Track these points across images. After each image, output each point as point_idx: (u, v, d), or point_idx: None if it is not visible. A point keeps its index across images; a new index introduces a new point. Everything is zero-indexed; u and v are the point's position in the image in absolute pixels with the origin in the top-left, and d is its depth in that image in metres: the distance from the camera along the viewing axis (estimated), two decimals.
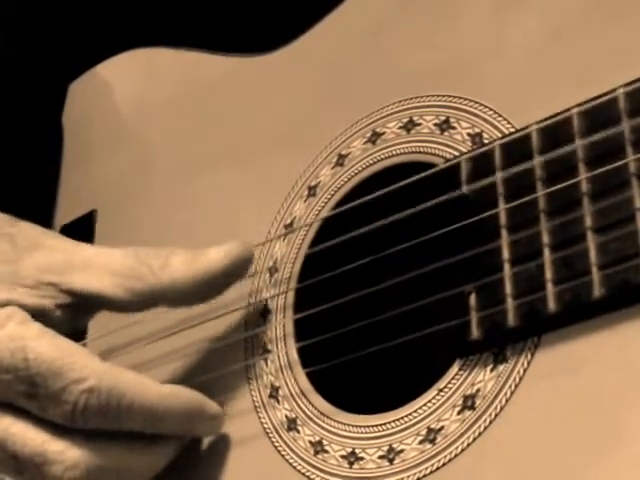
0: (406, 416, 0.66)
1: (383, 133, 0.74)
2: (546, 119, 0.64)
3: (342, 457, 0.68)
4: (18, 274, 0.71)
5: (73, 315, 0.73)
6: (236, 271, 0.73)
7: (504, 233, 0.63)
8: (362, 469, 0.67)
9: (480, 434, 0.62)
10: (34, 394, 0.68)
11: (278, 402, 0.73)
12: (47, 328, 0.70)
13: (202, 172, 0.86)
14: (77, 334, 0.75)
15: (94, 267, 0.72)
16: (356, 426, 0.68)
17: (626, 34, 0.63)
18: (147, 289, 0.72)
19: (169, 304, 0.73)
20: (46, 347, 0.68)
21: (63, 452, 0.69)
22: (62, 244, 0.74)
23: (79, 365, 0.68)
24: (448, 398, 0.64)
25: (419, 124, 0.72)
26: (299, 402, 0.72)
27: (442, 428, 0.64)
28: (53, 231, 0.76)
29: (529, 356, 0.61)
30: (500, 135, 0.67)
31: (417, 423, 0.65)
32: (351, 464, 0.68)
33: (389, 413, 0.67)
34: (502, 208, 0.64)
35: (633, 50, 0.63)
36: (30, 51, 0.99)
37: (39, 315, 0.71)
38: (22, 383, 0.68)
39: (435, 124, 0.71)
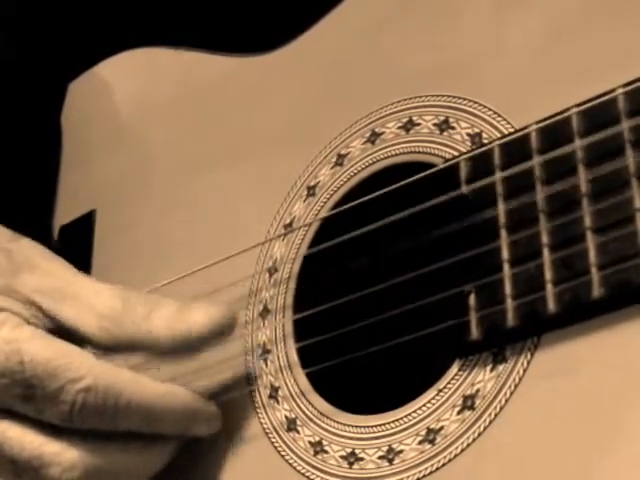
0: (406, 416, 0.66)
1: (382, 133, 0.74)
2: (545, 119, 0.64)
3: (342, 457, 0.68)
4: (11, 288, 0.71)
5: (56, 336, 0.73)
6: (217, 336, 0.73)
7: (503, 233, 0.63)
8: (362, 469, 0.67)
9: (480, 434, 0.62)
10: (31, 396, 0.68)
11: (278, 402, 0.73)
12: (41, 330, 0.70)
13: (201, 172, 0.86)
14: None
15: (82, 304, 0.72)
16: (356, 426, 0.68)
17: (626, 34, 0.63)
18: (124, 338, 0.72)
19: (146, 352, 0.73)
20: (41, 348, 0.68)
21: (60, 454, 0.69)
22: (58, 270, 0.74)
23: (75, 365, 0.68)
24: (448, 398, 0.64)
25: (418, 124, 0.72)
26: (299, 402, 0.72)
27: (442, 428, 0.64)
28: (51, 253, 0.76)
29: (529, 356, 0.61)
30: (499, 135, 0.67)
31: (417, 423, 0.65)
32: (351, 464, 0.68)
33: (389, 413, 0.67)
34: (501, 208, 0.64)
35: (633, 50, 0.63)
36: (29, 51, 0.99)
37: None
38: (18, 386, 0.68)
39: (434, 124, 0.71)
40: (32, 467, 0.69)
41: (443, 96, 0.72)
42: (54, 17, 0.98)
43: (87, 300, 0.72)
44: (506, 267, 0.62)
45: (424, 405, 0.65)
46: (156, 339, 0.72)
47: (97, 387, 0.68)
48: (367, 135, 0.75)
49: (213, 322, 0.72)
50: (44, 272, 0.73)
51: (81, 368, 0.68)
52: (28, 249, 0.75)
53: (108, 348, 0.72)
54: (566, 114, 0.63)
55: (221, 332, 0.72)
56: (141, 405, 0.69)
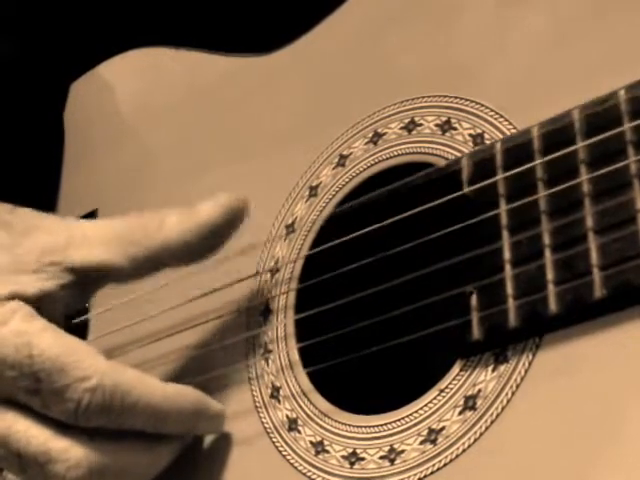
0: (407, 416, 0.66)
1: (384, 134, 0.75)
2: (548, 120, 0.64)
3: (343, 457, 0.68)
4: (18, 260, 0.71)
5: (78, 294, 0.73)
6: (230, 221, 0.73)
7: (505, 234, 0.63)
8: (363, 469, 0.67)
9: (481, 434, 0.62)
10: (37, 390, 0.68)
11: (279, 402, 0.73)
12: (51, 324, 0.70)
13: (203, 172, 0.86)
14: (79, 331, 0.76)
15: (92, 240, 0.72)
16: (357, 426, 0.68)
17: (628, 35, 0.63)
18: (145, 252, 0.72)
19: (169, 264, 0.73)
20: (51, 343, 0.68)
21: (66, 450, 0.69)
22: (59, 223, 0.74)
23: (83, 363, 0.68)
24: (449, 398, 0.64)
25: (420, 125, 0.72)
26: (300, 402, 0.72)
27: (443, 428, 0.64)
28: (47, 213, 0.76)
29: (530, 356, 0.61)
30: (501, 136, 0.67)
31: (418, 423, 0.65)
32: (352, 464, 0.68)
33: (390, 413, 0.67)
34: (503, 209, 0.64)
35: (635, 52, 0.63)
36: (32, 51, 0.99)
37: (44, 299, 0.71)
38: (26, 379, 0.68)
39: (436, 125, 0.71)
40: (37, 462, 0.69)
41: (445, 97, 0.72)
42: (56, 17, 0.98)
43: (95, 236, 0.72)
44: (508, 267, 0.62)
45: (426, 405, 0.65)
46: (174, 241, 0.71)
47: (104, 387, 0.68)
48: (369, 136, 0.75)
49: (222, 206, 0.72)
50: (46, 230, 0.73)
51: (89, 367, 0.68)
52: (26, 214, 0.75)
53: (135, 273, 0.72)
54: (568, 115, 0.63)
55: (234, 216, 0.73)
56: (147, 405, 0.69)
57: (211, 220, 0.72)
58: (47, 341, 0.68)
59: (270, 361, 0.75)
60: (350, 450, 0.68)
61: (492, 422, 0.62)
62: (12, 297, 0.70)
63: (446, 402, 0.64)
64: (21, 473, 0.70)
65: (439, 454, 0.64)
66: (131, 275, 0.73)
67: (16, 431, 0.69)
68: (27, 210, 0.75)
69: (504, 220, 0.64)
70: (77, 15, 0.98)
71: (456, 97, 0.71)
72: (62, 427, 0.69)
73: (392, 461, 0.66)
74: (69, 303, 0.73)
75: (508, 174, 0.64)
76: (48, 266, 0.71)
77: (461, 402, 0.64)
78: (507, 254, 0.63)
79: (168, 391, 0.71)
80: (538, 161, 0.63)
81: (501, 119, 0.68)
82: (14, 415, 0.69)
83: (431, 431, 0.64)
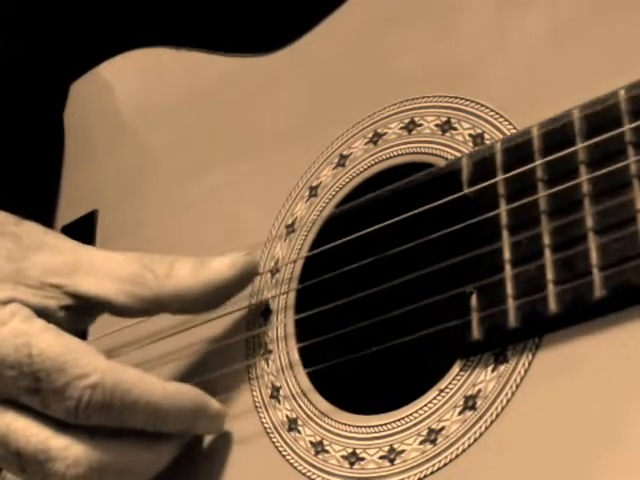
0: (407, 416, 0.66)
1: (384, 134, 0.75)
2: (548, 120, 0.64)
3: (343, 457, 0.68)
4: (22, 273, 0.71)
5: (76, 317, 0.73)
6: (241, 282, 0.73)
7: (505, 234, 0.63)
8: (363, 469, 0.67)
9: (481, 435, 0.62)
10: (37, 389, 0.68)
11: (279, 402, 0.73)
12: (51, 324, 0.70)
13: (203, 172, 0.86)
14: (78, 333, 0.75)
15: (99, 271, 0.72)
16: (357, 426, 0.68)
17: (628, 35, 0.63)
18: (151, 296, 0.72)
19: (172, 312, 0.73)
20: (50, 343, 0.68)
21: (66, 448, 0.69)
22: (66, 245, 0.74)
23: (83, 361, 0.68)
24: (449, 398, 0.64)
25: (420, 125, 0.72)
26: (300, 402, 0.72)
27: (443, 428, 0.64)
28: (56, 232, 0.76)
29: (530, 357, 0.61)
30: (501, 136, 0.67)
31: (418, 423, 0.65)
32: (352, 464, 0.68)
33: (390, 413, 0.67)
34: (503, 209, 0.64)
35: (635, 52, 0.63)
36: (32, 51, 0.99)
37: (42, 315, 0.71)
38: (26, 379, 0.68)
39: (436, 125, 0.71)
40: (37, 461, 0.69)
41: (445, 97, 0.72)
42: (56, 17, 0.98)
43: (104, 268, 0.72)
44: (508, 267, 0.62)
45: (425, 405, 0.65)
46: (182, 292, 0.72)
47: (104, 385, 0.68)
48: (369, 136, 0.75)
49: (236, 267, 0.72)
50: (53, 249, 0.73)
51: (89, 365, 0.68)
52: (34, 229, 0.75)
53: (134, 312, 0.72)
54: (568, 115, 0.63)
55: (245, 277, 0.73)
56: (147, 404, 0.69)
57: (221, 279, 0.72)
58: (47, 341, 0.68)
59: (270, 361, 0.75)
60: (350, 450, 0.68)
61: (492, 422, 0.62)
62: (12, 301, 0.70)
63: (446, 402, 0.64)
64: (21, 472, 0.70)
65: (439, 454, 0.64)
66: (130, 313, 0.73)
67: (15, 430, 0.69)
68: (33, 224, 0.75)
69: (504, 220, 0.64)
70: (77, 15, 0.98)
71: (456, 97, 0.71)
72: (62, 426, 0.69)
73: (392, 461, 0.66)
74: (67, 325, 0.72)
75: (508, 175, 0.64)
76: (50, 286, 0.71)
77: (461, 402, 0.64)
78: (507, 254, 0.63)
79: (168, 390, 0.71)
80: (538, 161, 0.63)
81: (501, 119, 0.68)
82: (13, 414, 0.69)
83: (431, 431, 0.64)
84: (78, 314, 0.73)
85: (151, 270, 0.72)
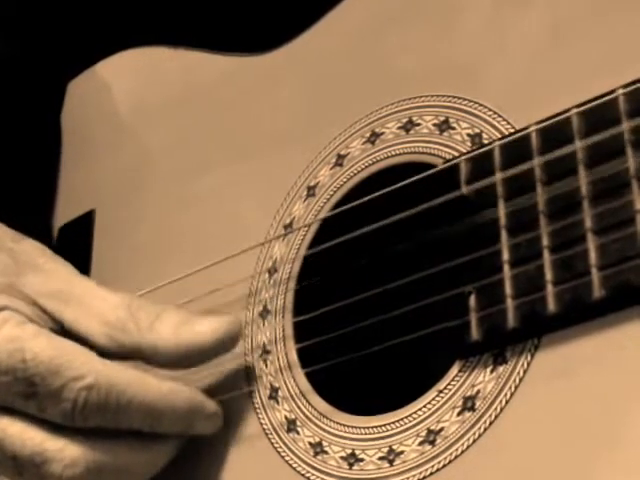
0: (406, 417, 0.66)
1: (382, 133, 0.74)
2: (546, 119, 0.63)
3: (342, 458, 0.68)
4: (16, 288, 0.71)
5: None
6: (222, 347, 0.73)
7: (504, 234, 0.63)
8: (362, 470, 0.67)
9: (480, 435, 0.62)
10: (33, 394, 0.68)
11: (278, 403, 0.73)
12: (43, 329, 0.70)
13: (201, 172, 0.86)
14: None
15: (88, 309, 0.72)
16: (356, 427, 0.68)
17: (626, 35, 0.63)
18: (130, 345, 0.72)
19: (150, 363, 0.73)
20: (44, 346, 0.68)
21: (62, 450, 0.69)
22: (61, 272, 0.74)
23: (77, 363, 0.68)
24: (448, 399, 0.64)
25: (418, 124, 0.72)
26: (299, 403, 0.72)
27: (442, 429, 0.64)
28: (53, 254, 0.76)
29: (529, 357, 0.61)
30: (500, 135, 0.67)
31: (417, 424, 0.65)
32: (351, 465, 0.68)
33: (389, 414, 0.67)
34: (502, 209, 0.64)
35: (633, 51, 0.62)
36: (29, 49, 0.99)
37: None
38: (20, 384, 0.68)
39: (434, 124, 0.71)
40: (33, 463, 0.69)
41: (443, 96, 0.71)
42: (53, 15, 0.98)
43: (91, 305, 0.73)
44: (506, 268, 0.62)
45: (424, 406, 0.65)
46: (161, 348, 0.72)
47: (99, 385, 0.68)
48: (367, 135, 0.75)
49: (218, 333, 0.72)
50: (47, 274, 0.73)
51: (83, 366, 0.68)
52: (31, 250, 0.75)
53: (111, 354, 0.72)
54: (566, 114, 0.62)
55: (224, 345, 0.73)
56: (143, 403, 0.69)
57: (201, 344, 0.72)
58: (40, 345, 0.68)
59: (268, 362, 0.75)
60: (349, 451, 0.68)
61: (491, 423, 0.62)
62: (4, 308, 0.70)
63: (445, 403, 0.64)
64: (17, 476, 0.70)
65: (438, 455, 0.63)
66: (109, 355, 0.73)
67: (11, 434, 0.69)
68: (32, 243, 0.76)
69: (502, 220, 0.63)
70: (75, 14, 0.97)
71: (454, 97, 0.71)
72: (57, 428, 0.69)
73: (391, 462, 0.66)
74: None
75: (506, 174, 0.64)
76: (40, 309, 0.72)
77: (460, 403, 0.64)
78: (506, 254, 0.63)
79: (163, 389, 0.71)
80: (536, 161, 0.63)
81: (499, 119, 0.68)
82: (8, 419, 0.69)
83: (430, 432, 0.64)
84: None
85: (135, 319, 0.72)
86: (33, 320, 0.71)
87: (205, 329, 0.72)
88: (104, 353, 0.71)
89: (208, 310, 0.78)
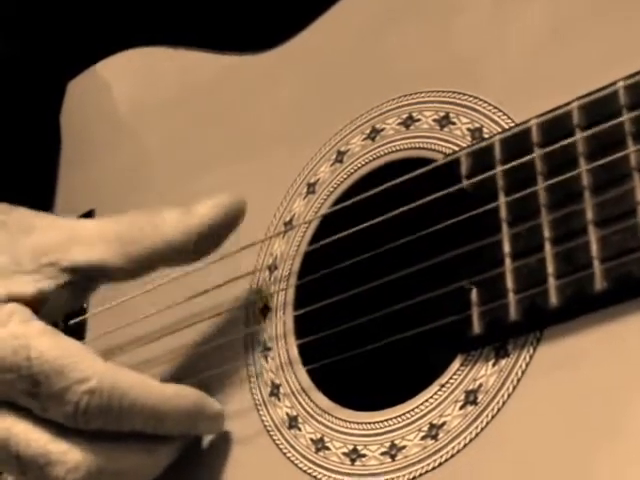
0: (408, 412, 0.66)
1: (382, 129, 0.74)
2: (546, 113, 0.63)
3: (344, 454, 0.68)
4: (16, 261, 0.71)
5: (74, 292, 0.73)
6: (228, 221, 0.73)
7: (505, 227, 0.63)
8: (364, 466, 0.67)
9: (482, 429, 0.62)
10: (36, 393, 0.68)
11: (279, 400, 0.73)
12: (48, 326, 0.70)
13: (201, 171, 0.86)
14: (78, 311, 0.75)
15: (89, 239, 0.72)
16: (358, 423, 0.68)
17: (627, 31, 0.63)
18: (143, 251, 0.72)
19: (167, 264, 0.73)
20: (49, 346, 0.68)
21: (65, 453, 0.69)
22: (55, 223, 0.74)
23: (81, 365, 0.68)
24: (450, 393, 0.64)
25: (418, 120, 0.72)
26: (300, 399, 0.72)
27: (444, 424, 0.64)
28: (44, 213, 0.76)
29: (531, 350, 0.61)
30: (500, 130, 0.67)
31: (419, 419, 0.65)
32: (353, 461, 0.67)
33: (391, 409, 0.67)
34: (502, 202, 0.64)
35: (634, 47, 0.62)
36: (29, 49, 0.99)
37: (41, 300, 0.71)
38: (24, 382, 0.68)
39: (434, 120, 0.71)
40: (37, 465, 0.69)
41: (443, 92, 0.71)
42: (53, 15, 0.98)
43: (92, 235, 0.72)
44: (508, 261, 0.62)
45: (426, 400, 0.65)
46: (172, 241, 0.71)
47: (102, 389, 0.68)
48: (367, 132, 0.75)
49: (221, 206, 0.72)
50: (43, 229, 0.73)
51: (87, 369, 0.68)
52: (21, 216, 0.75)
53: (131, 272, 0.72)
54: (567, 107, 0.62)
55: (232, 216, 0.73)
56: (146, 407, 0.69)
57: (210, 219, 0.72)
58: (45, 344, 0.68)
59: (269, 359, 0.75)
60: (351, 447, 0.68)
61: (493, 417, 0.62)
62: (10, 299, 0.70)
63: (447, 397, 0.64)
64: (20, 475, 0.70)
65: (440, 449, 0.63)
66: (129, 273, 0.73)
67: (15, 434, 0.69)
68: (23, 209, 0.75)
69: (503, 213, 0.63)
70: (75, 14, 0.97)
71: (454, 92, 0.71)
72: (61, 429, 0.69)
73: (393, 457, 0.65)
74: (67, 302, 0.73)
75: (507, 167, 0.64)
76: (45, 266, 0.71)
77: (462, 397, 0.63)
78: (507, 247, 0.63)
79: (166, 391, 0.70)
80: (536, 153, 0.63)
81: (500, 113, 0.68)
82: (13, 418, 0.69)
83: (432, 426, 0.64)
84: (76, 289, 0.73)
85: (139, 227, 0.72)
86: (40, 293, 0.71)
87: (208, 207, 0.72)
88: (123, 274, 0.71)
89: (208, 309, 0.78)
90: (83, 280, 0.72)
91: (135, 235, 0.72)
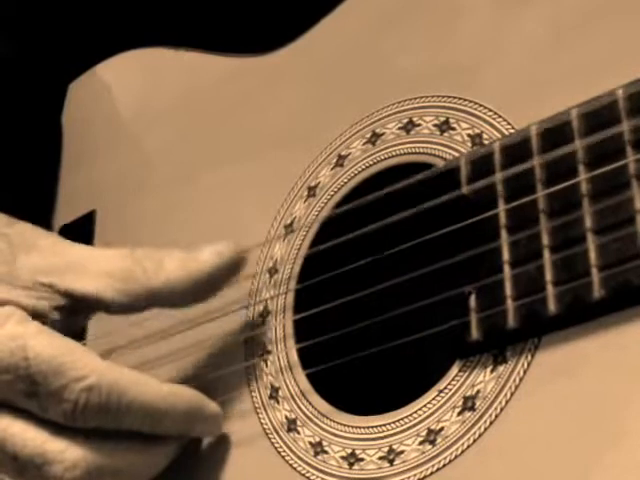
0: (406, 417, 0.66)
1: (383, 134, 0.74)
2: (546, 120, 0.64)
3: (342, 458, 0.68)
4: (14, 274, 0.71)
5: (69, 316, 0.73)
6: (229, 271, 0.73)
7: (504, 234, 0.63)
8: (362, 470, 0.67)
9: (480, 435, 0.62)
10: (34, 393, 0.68)
11: (278, 403, 0.73)
12: (45, 326, 0.70)
13: (202, 172, 0.86)
14: (75, 335, 0.75)
15: (90, 269, 0.72)
16: (356, 427, 0.68)
17: (627, 35, 0.63)
18: (142, 291, 0.72)
19: (163, 306, 0.73)
20: (46, 345, 0.68)
21: (63, 452, 0.69)
22: (58, 245, 0.74)
23: (79, 363, 0.68)
24: (448, 399, 0.64)
25: (419, 125, 0.72)
26: (299, 403, 0.72)
27: (442, 429, 0.64)
28: (50, 231, 0.76)
29: (529, 357, 0.61)
30: (500, 136, 0.67)
31: (417, 424, 0.65)
32: (351, 465, 0.68)
33: (389, 414, 0.67)
34: (502, 209, 0.64)
35: (634, 51, 0.62)
36: (30, 51, 0.99)
37: (36, 317, 0.71)
38: (22, 382, 0.68)
39: (435, 125, 0.71)
40: (34, 464, 0.69)
41: (443, 97, 0.71)
42: (54, 17, 0.98)
43: (94, 266, 0.72)
44: (506, 268, 0.62)
45: (424, 406, 0.65)
46: (172, 285, 0.72)
47: (100, 386, 0.68)
48: (367, 136, 0.75)
49: (224, 256, 0.73)
50: (44, 249, 0.73)
51: (85, 367, 0.68)
52: (25, 231, 0.75)
53: (127, 308, 0.72)
54: (566, 114, 0.62)
55: (233, 266, 0.73)
56: (144, 405, 0.69)
57: (211, 267, 0.73)
58: (42, 343, 0.68)
59: (269, 362, 0.75)
60: (349, 451, 0.68)
61: (491, 423, 0.62)
62: (6, 303, 0.70)
63: (445, 403, 0.64)
64: (18, 476, 0.70)
65: (438, 455, 0.63)
66: (125, 309, 0.73)
67: (12, 434, 0.69)
68: (26, 225, 0.75)
69: (502, 220, 0.63)
70: (75, 15, 0.97)
71: (454, 97, 0.71)
72: (58, 429, 0.69)
73: (391, 462, 0.66)
74: (60, 325, 0.72)
75: (506, 174, 0.64)
76: (42, 286, 0.71)
77: (460, 403, 0.64)
78: (506, 254, 0.63)
79: (164, 390, 0.71)
80: (536, 161, 0.63)
81: (500, 119, 0.68)
82: (9, 419, 0.69)
83: (430, 432, 0.64)
84: (71, 314, 0.73)
85: (141, 265, 0.72)
86: (35, 309, 0.71)
87: (210, 255, 0.73)
88: (119, 308, 0.71)
89: (208, 310, 0.78)
90: (78, 306, 0.72)
91: (136, 274, 0.72)
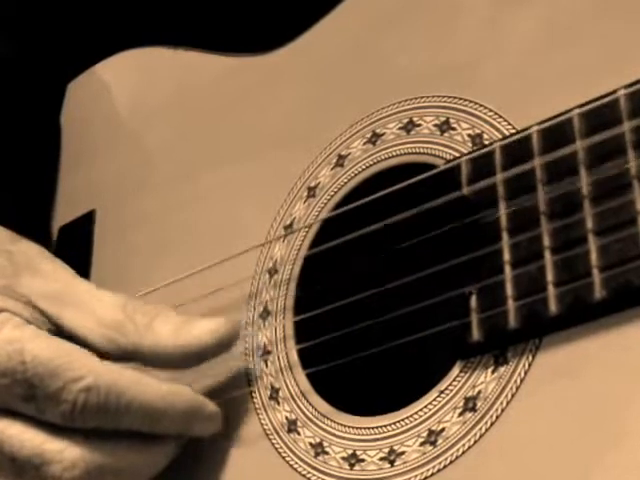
0: (407, 418, 0.66)
1: (383, 134, 0.74)
2: (547, 120, 0.63)
3: (343, 459, 0.68)
4: (12, 289, 0.71)
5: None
6: (220, 348, 0.73)
7: (505, 235, 0.63)
8: (363, 471, 0.67)
9: (481, 436, 0.62)
10: (32, 396, 0.68)
11: (278, 403, 0.73)
12: (42, 330, 0.70)
13: (201, 172, 0.86)
14: None
15: (85, 310, 0.72)
16: (357, 428, 0.68)
17: (627, 35, 0.63)
18: (129, 346, 0.72)
19: (147, 364, 0.73)
20: (43, 348, 0.68)
21: (61, 452, 0.69)
22: (58, 273, 0.74)
23: (76, 364, 0.68)
24: (449, 400, 0.64)
25: (419, 125, 0.72)
26: (299, 403, 0.72)
27: (443, 430, 0.64)
28: (51, 255, 0.76)
29: (530, 358, 0.61)
30: (501, 136, 0.67)
31: (418, 425, 0.65)
32: (352, 466, 0.68)
33: (390, 415, 0.67)
34: (503, 210, 0.64)
35: (634, 51, 0.62)
36: (29, 50, 0.99)
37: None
38: (20, 386, 0.68)
39: (435, 125, 0.71)
40: (32, 465, 0.68)
41: (444, 97, 0.71)
42: (53, 16, 0.98)
43: (89, 307, 0.73)
44: (507, 269, 0.62)
45: (425, 407, 0.65)
46: (159, 349, 0.72)
47: (98, 386, 0.68)
48: (368, 136, 0.75)
49: (217, 335, 0.72)
50: (45, 275, 0.73)
51: (82, 367, 0.68)
52: (29, 251, 0.75)
53: (109, 355, 0.72)
54: (567, 115, 0.62)
55: (223, 347, 0.73)
56: (142, 404, 0.69)
57: (199, 346, 0.72)
58: (40, 346, 0.68)
59: (269, 363, 0.75)
60: (350, 451, 0.68)
61: (492, 424, 0.62)
62: (2, 310, 0.70)
63: (446, 403, 0.64)
64: (17, 478, 0.70)
65: (439, 455, 0.63)
66: (107, 356, 0.72)
67: (9, 436, 0.69)
68: (30, 245, 0.75)
69: (503, 221, 0.63)
70: (75, 15, 0.97)
71: (455, 97, 0.71)
72: (56, 429, 0.69)
73: (392, 462, 0.66)
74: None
75: (507, 175, 0.64)
76: (38, 311, 0.71)
77: (461, 403, 0.64)
78: (507, 255, 0.63)
79: (163, 390, 0.70)
80: (537, 161, 0.63)
81: (500, 119, 0.68)
82: (7, 420, 0.69)
83: (431, 432, 0.64)
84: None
85: (133, 320, 0.72)
86: (30, 322, 0.71)
87: (204, 330, 0.72)
88: (103, 355, 0.71)
89: (208, 311, 0.78)
90: (66, 338, 0.72)
91: (127, 328, 0.72)
